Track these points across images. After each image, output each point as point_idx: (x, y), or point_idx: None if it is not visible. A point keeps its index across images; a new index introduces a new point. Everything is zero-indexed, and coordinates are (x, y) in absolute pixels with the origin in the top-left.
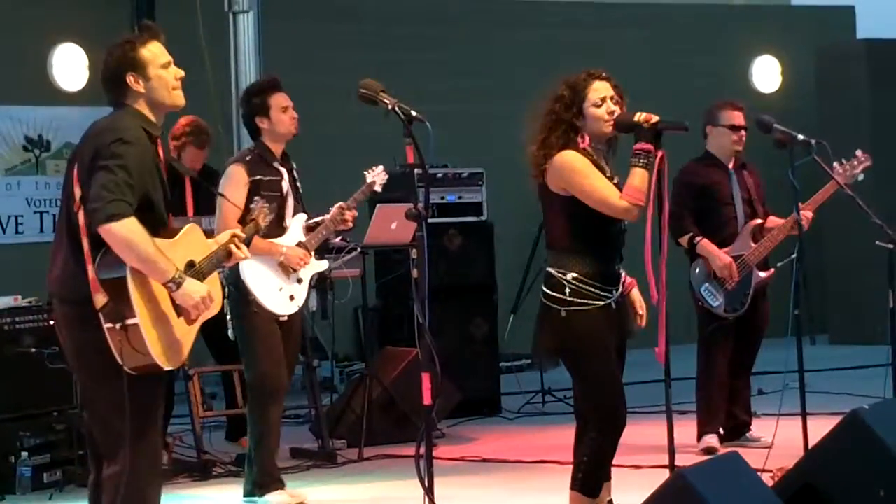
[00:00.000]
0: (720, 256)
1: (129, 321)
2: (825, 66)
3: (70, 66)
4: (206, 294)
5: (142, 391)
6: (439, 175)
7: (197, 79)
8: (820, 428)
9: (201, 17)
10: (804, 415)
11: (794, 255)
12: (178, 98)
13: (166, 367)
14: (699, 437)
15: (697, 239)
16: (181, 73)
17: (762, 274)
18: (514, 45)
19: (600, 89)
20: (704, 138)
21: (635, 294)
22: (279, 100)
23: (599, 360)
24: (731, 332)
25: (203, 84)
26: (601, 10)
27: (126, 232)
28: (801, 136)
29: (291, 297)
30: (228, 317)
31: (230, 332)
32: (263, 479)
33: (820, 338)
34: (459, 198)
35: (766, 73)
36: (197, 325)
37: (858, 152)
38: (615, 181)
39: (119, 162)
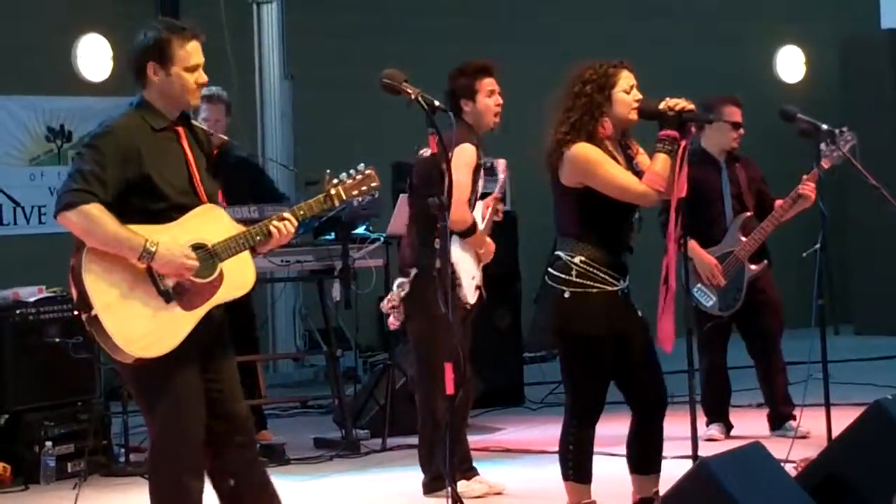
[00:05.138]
0: (703, 258)
1: (93, 312)
2: (849, 56)
3: (94, 56)
4: (185, 255)
5: (151, 374)
6: None
7: (221, 71)
8: (843, 419)
9: (225, 8)
10: (828, 405)
11: (818, 245)
12: (193, 99)
13: (140, 356)
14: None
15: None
16: (204, 78)
17: (753, 267)
18: (538, 36)
19: (629, 78)
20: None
21: None
22: (487, 84)
23: (593, 347)
24: (729, 329)
25: (227, 76)
26: (624, 0)
27: (80, 218)
28: (824, 126)
29: (478, 287)
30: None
31: None
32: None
33: (844, 328)
34: (483, 187)
35: (790, 64)
36: (199, 312)
37: (844, 129)
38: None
39: (88, 151)
